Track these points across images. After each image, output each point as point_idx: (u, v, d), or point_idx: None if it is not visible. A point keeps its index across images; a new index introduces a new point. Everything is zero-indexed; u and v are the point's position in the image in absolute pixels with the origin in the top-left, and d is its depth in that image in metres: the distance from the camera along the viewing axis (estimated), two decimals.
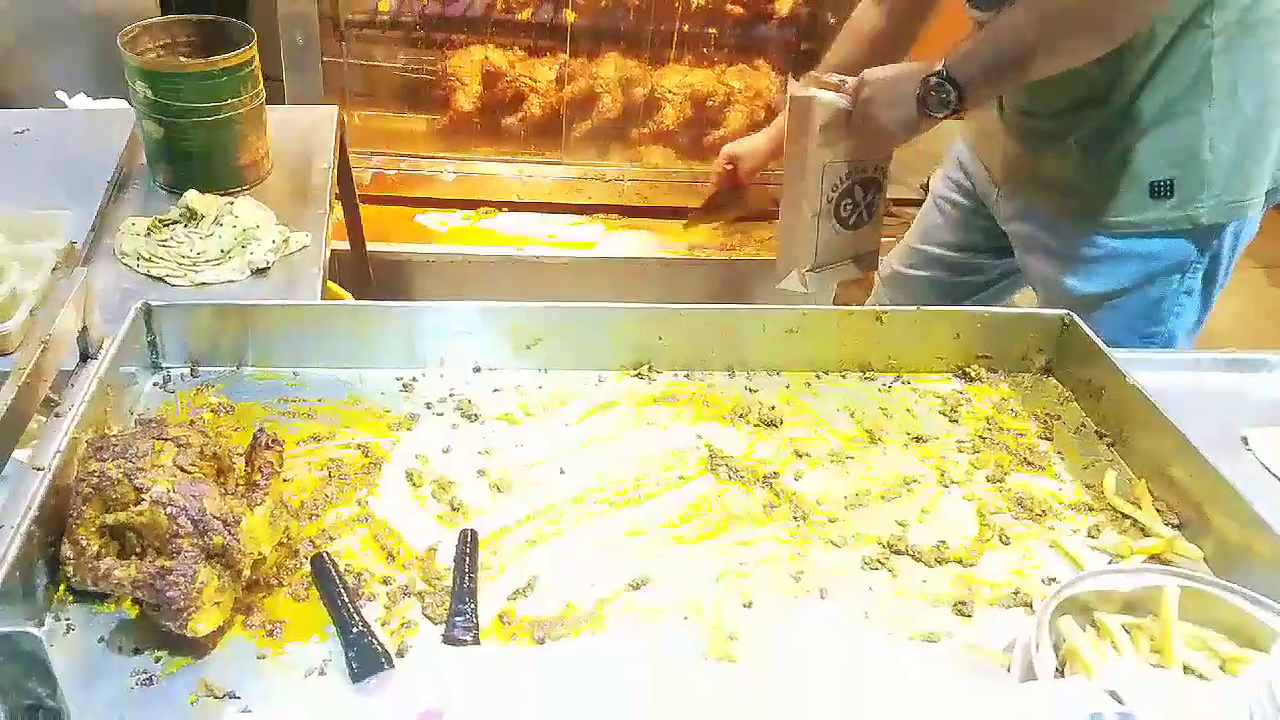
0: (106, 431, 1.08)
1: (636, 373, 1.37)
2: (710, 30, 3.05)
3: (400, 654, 0.94)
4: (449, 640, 0.96)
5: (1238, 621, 0.96)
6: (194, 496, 0.92)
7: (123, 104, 2.35)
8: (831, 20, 3.06)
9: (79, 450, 1.02)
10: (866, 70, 1.65)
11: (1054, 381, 1.42)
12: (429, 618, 0.99)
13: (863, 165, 1.75)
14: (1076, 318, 1.39)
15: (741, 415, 1.31)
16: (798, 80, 1.74)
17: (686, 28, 3.03)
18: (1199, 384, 1.44)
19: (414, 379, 1.32)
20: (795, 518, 1.16)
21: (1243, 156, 1.56)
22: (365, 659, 0.92)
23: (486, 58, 2.93)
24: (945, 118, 1.57)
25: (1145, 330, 1.70)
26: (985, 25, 1.55)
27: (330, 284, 1.90)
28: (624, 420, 1.29)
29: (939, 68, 1.52)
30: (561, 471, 1.20)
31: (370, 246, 2.55)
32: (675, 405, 1.33)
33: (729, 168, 2.08)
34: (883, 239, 1.94)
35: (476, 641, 0.96)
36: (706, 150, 3.18)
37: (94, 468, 0.95)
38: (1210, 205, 1.58)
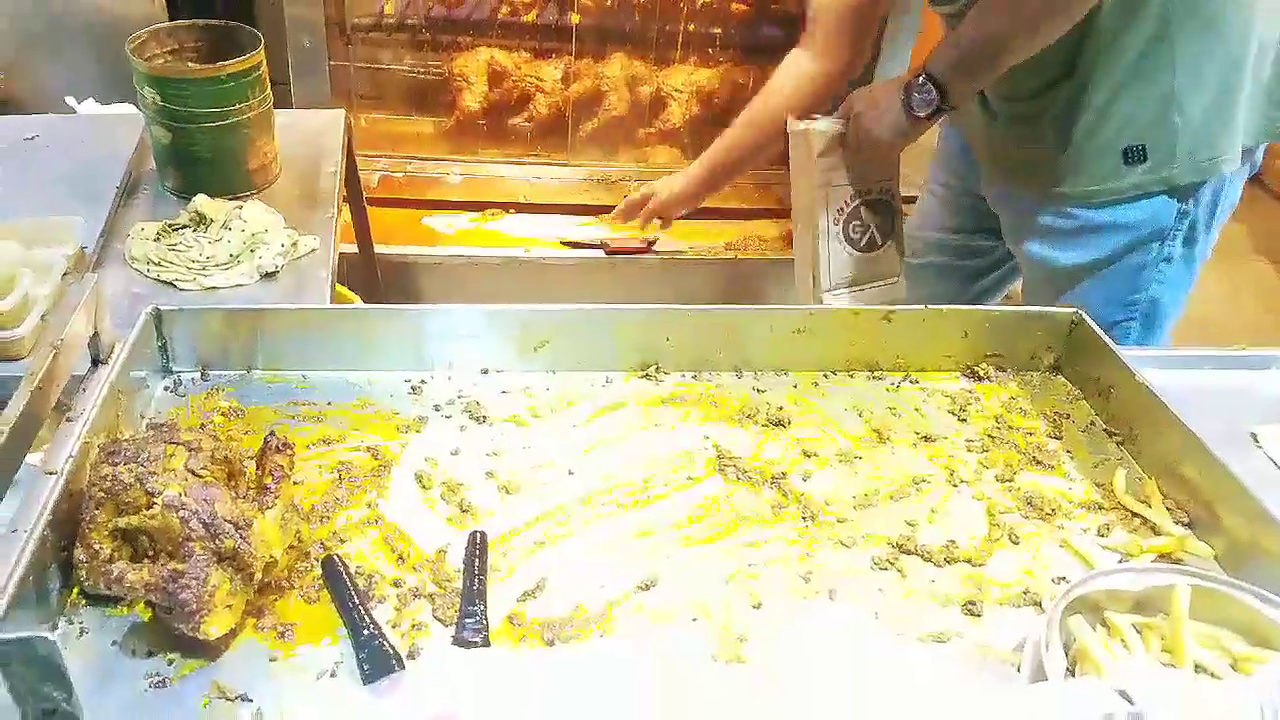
0: (118, 436, 1.08)
1: (644, 374, 1.37)
2: (715, 30, 3.05)
3: (411, 656, 0.95)
4: (459, 642, 0.96)
5: (1249, 620, 0.96)
6: (206, 500, 0.92)
7: (131, 109, 2.36)
8: None
9: (91, 455, 1.03)
10: (854, 91, 1.75)
11: (1063, 380, 1.42)
12: (439, 620, 0.99)
13: (866, 187, 1.83)
14: (1085, 316, 1.39)
15: (749, 416, 1.31)
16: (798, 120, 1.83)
17: (692, 28, 3.03)
18: (1207, 382, 1.44)
19: (422, 381, 1.32)
20: (804, 518, 1.16)
21: (1212, 115, 1.57)
22: (376, 661, 0.92)
23: (492, 58, 2.93)
24: (931, 117, 1.64)
25: (1128, 299, 1.71)
26: (954, 22, 1.60)
27: (339, 287, 1.90)
28: (632, 421, 1.29)
29: (917, 74, 1.60)
30: (570, 473, 1.20)
31: (377, 249, 2.55)
32: (683, 406, 1.33)
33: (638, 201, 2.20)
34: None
35: (486, 643, 0.96)
36: None
37: (106, 472, 0.96)
38: (1185, 165, 1.59)
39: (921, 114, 1.63)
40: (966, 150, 1.91)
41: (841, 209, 1.82)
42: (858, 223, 1.84)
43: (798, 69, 1.91)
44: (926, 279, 2.04)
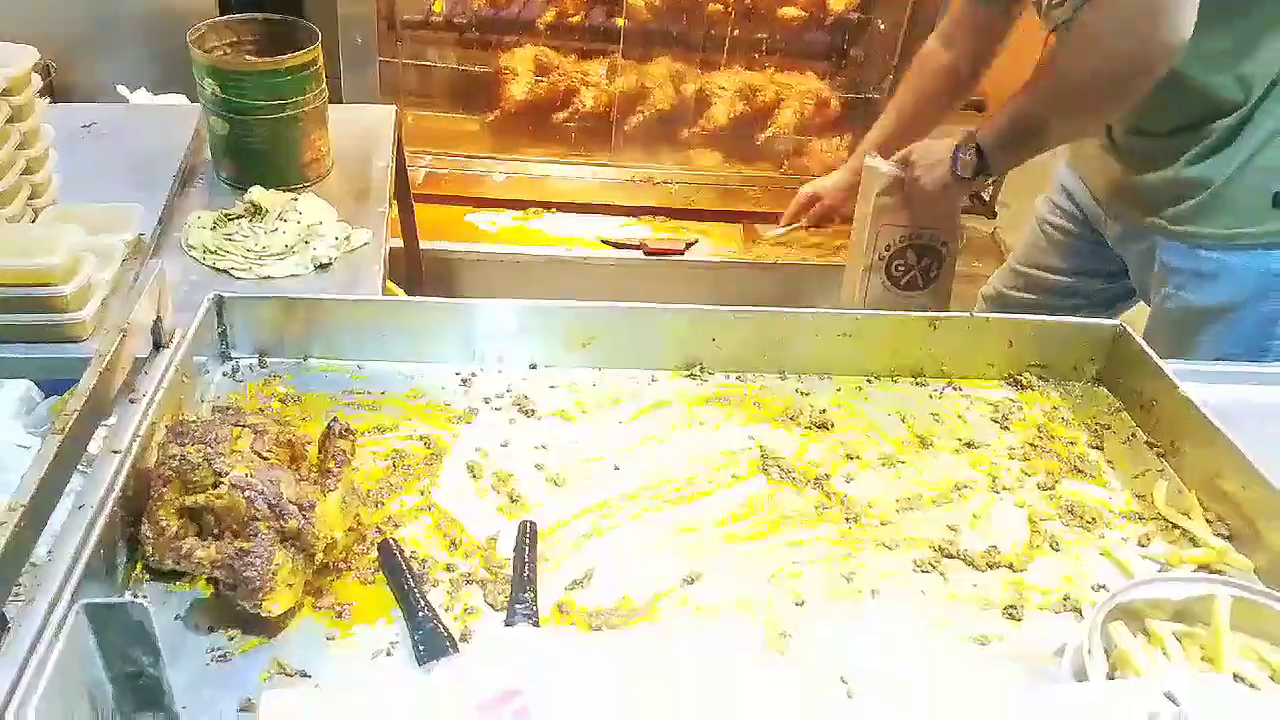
0: (182, 418, 1.12)
1: (689, 373, 1.39)
2: (761, 35, 3.07)
3: (464, 638, 0.97)
4: (510, 627, 0.99)
5: None
6: (271, 481, 0.95)
7: (182, 99, 2.41)
8: (881, 25, 3.08)
9: (157, 435, 1.06)
10: (916, 144, 1.90)
11: (1104, 391, 1.43)
12: (490, 605, 1.02)
13: (920, 232, 1.95)
14: (1129, 328, 1.40)
15: (793, 417, 1.33)
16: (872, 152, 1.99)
17: (736, 32, 3.04)
18: (1249, 396, 1.44)
19: (472, 374, 1.35)
20: (847, 519, 1.18)
21: None
22: (431, 642, 0.95)
23: (539, 54, 2.96)
24: (973, 179, 1.76)
25: (1260, 344, 1.69)
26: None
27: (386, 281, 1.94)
28: (676, 420, 1.32)
29: (966, 136, 1.71)
30: (616, 468, 1.22)
31: (421, 245, 2.59)
32: (727, 406, 1.35)
33: (805, 202, 2.21)
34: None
35: (536, 629, 0.99)
36: (755, 154, 3.20)
37: (174, 451, 0.99)
38: None
39: (965, 175, 1.75)
40: (1084, 188, 1.90)
41: (889, 246, 1.95)
42: (901, 262, 1.97)
43: (933, 59, 1.98)
44: (1023, 313, 2.02)
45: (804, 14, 2.96)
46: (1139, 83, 1.52)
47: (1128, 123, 1.70)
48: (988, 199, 4.39)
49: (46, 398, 1.80)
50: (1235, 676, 0.93)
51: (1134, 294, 1.96)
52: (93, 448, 1.07)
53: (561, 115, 3.01)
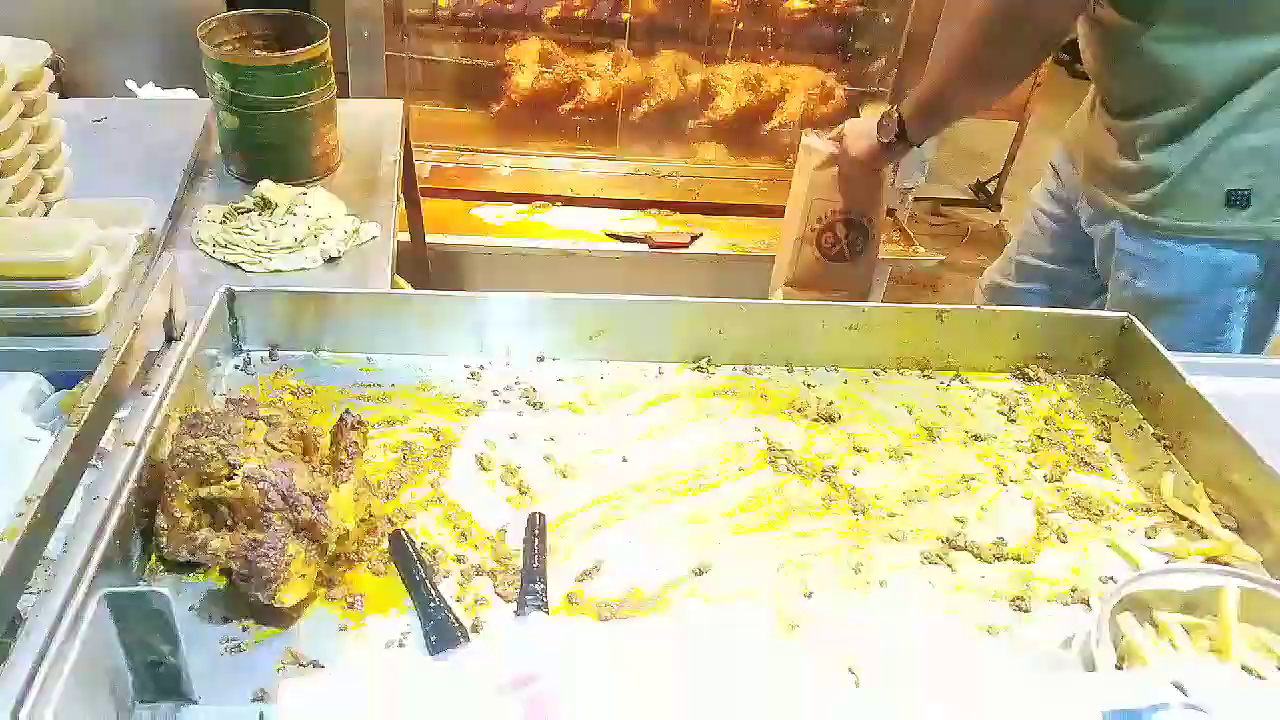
0: (195, 410, 1.12)
1: (696, 366, 1.40)
2: (765, 29, 3.07)
3: (475, 629, 0.98)
4: (521, 617, 1.00)
5: None
6: (285, 473, 0.96)
7: (190, 94, 2.42)
8: (886, 19, 3.08)
9: (171, 427, 1.07)
10: (849, 120, 2.03)
11: (1112, 384, 1.43)
12: (500, 595, 1.03)
13: (848, 208, 2.08)
14: (1136, 321, 1.40)
15: (800, 410, 1.34)
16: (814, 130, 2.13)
17: (741, 26, 3.05)
18: (1257, 389, 1.44)
19: (481, 367, 1.36)
20: (854, 511, 1.18)
21: None
22: (443, 632, 0.95)
23: (545, 46, 2.97)
24: (894, 144, 1.87)
25: (1209, 338, 1.70)
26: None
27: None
28: (684, 412, 1.32)
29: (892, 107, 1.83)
30: (624, 460, 1.23)
31: (428, 238, 2.60)
32: (734, 398, 1.35)
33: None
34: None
35: (548, 618, 0.99)
36: (760, 148, 3.20)
37: (189, 443, 1.00)
38: None
39: (885, 140, 1.87)
40: (1072, 170, 1.90)
41: (821, 219, 2.08)
42: (830, 235, 2.10)
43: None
44: (1021, 304, 2.03)
45: (810, 5, 2.96)
46: (1022, 52, 1.64)
47: (1103, 98, 1.71)
48: (992, 191, 4.41)
49: (56, 391, 1.81)
50: (1243, 667, 0.94)
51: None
52: (107, 440, 1.08)
53: (567, 106, 3.01)
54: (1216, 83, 1.52)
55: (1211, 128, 1.55)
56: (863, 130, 1.94)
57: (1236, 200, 1.57)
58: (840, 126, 2.02)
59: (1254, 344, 1.73)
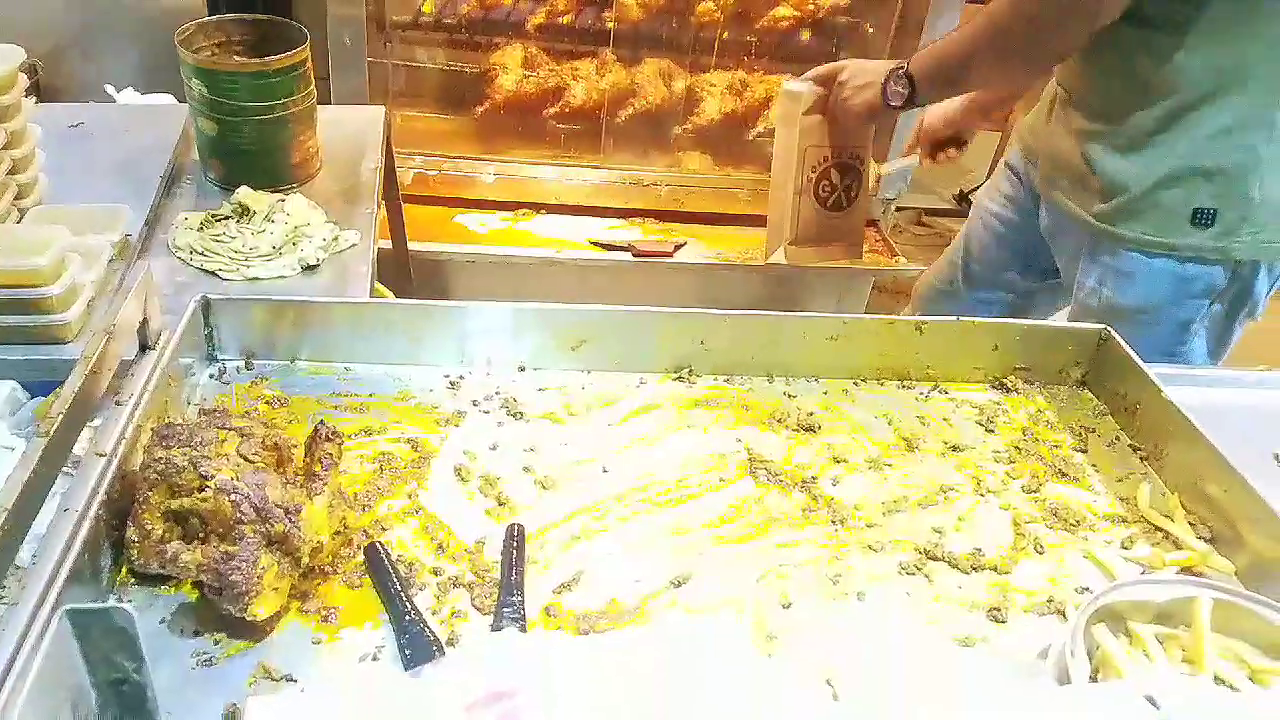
0: (168, 420, 1.11)
1: (678, 376, 1.40)
2: (750, 38, 3.07)
3: (450, 642, 0.97)
4: (497, 631, 0.99)
5: (1268, 634, 0.97)
6: (257, 485, 0.95)
7: (170, 99, 2.40)
8: (870, 29, 3.09)
9: (143, 438, 1.06)
10: (848, 60, 1.89)
11: (1089, 395, 1.44)
12: (477, 608, 1.02)
13: (840, 150, 1.97)
14: (1114, 332, 1.41)
15: (780, 420, 1.33)
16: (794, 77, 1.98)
17: (725, 34, 3.05)
18: (1232, 400, 1.45)
19: (461, 377, 1.35)
20: (833, 522, 1.18)
21: None
22: (418, 646, 0.94)
23: (528, 51, 2.96)
24: (901, 109, 1.76)
25: (1171, 349, 1.71)
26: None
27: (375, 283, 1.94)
28: (666, 422, 1.32)
29: (901, 64, 1.70)
30: (605, 470, 1.23)
31: (410, 245, 2.59)
32: (715, 409, 1.35)
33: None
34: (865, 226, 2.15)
35: (524, 632, 0.99)
36: (744, 157, 3.21)
37: (160, 455, 0.99)
38: (1247, 242, 1.58)
39: (894, 104, 1.75)
40: (1028, 182, 1.90)
41: (815, 167, 1.96)
42: (827, 183, 1.99)
43: None
44: (959, 310, 2.03)
45: (794, 14, 2.97)
46: (1067, 33, 1.54)
47: (1075, 102, 1.70)
48: (967, 193, 4.42)
49: (32, 399, 1.79)
50: (1216, 678, 0.94)
51: (1054, 297, 2.00)
52: (79, 449, 1.07)
53: (552, 110, 3.00)
54: (1195, 90, 1.52)
55: (1183, 140, 1.55)
56: (865, 79, 1.81)
57: (1202, 219, 1.57)
58: (824, 68, 1.90)
59: (1212, 357, 1.74)
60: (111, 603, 0.98)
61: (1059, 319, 1.99)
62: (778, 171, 2.03)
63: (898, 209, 3.49)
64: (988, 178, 4.30)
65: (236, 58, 1.88)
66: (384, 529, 1.10)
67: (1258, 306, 1.69)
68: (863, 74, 1.81)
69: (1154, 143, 1.57)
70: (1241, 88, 1.50)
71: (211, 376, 1.31)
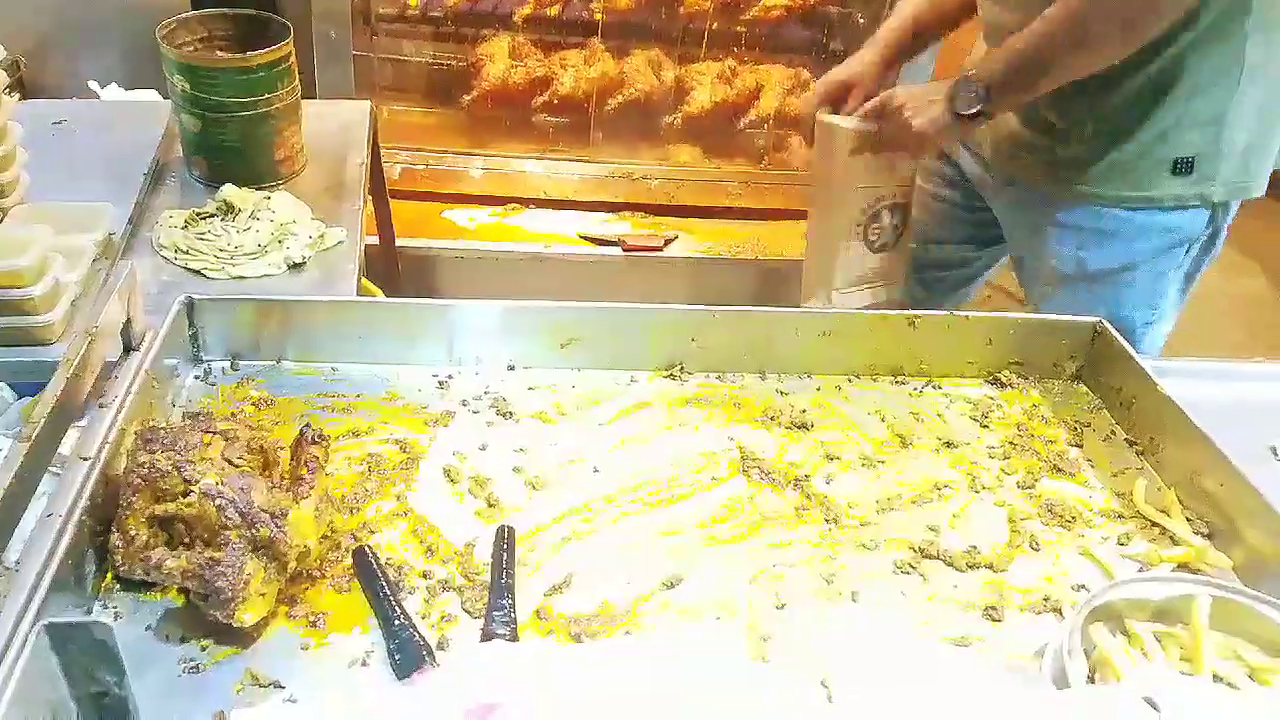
0: (152, 423, 1.10)
1: (669, 374, 1.38)
2: (739, 29, 3.05)
3: (440, 646, 0.96)
4: (487, 634, 0.97)
5: (1267, 632, 0.97)
6: (242, 489, 0.93)
7: (154, 95, 2.38)
8: (861, 20, 3.07)
9: (127, 441, 1.04)
10: (889, 90, 1.73)
11: (1084, 389, 1.43)
12: (467, 612, 1.01)
13: (891, 190, 1.83)
14: (1108, 326, 1.40)
15: (773, 418, 1.32)
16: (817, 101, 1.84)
17: (715, 25, 3.03)
18: (1228, 393, 1.44)
19: (450, 376, 1.33)
20: (827, 521, 1.17)
21: (1258, 137, 1.58)
22: (407, 651, 0.93)
23: (514, 47, 2.93)
24: (974, 117, 1.61)
25: (1152, 301, 1.72)
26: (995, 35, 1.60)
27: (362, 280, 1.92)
28: (657, 421, 1.31)
29: (966, 73, 1.59)
30: (595, 470, 1.21)
31: (398, 241, 2.57)
32: (707, 407, 1.34)
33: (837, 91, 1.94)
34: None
35: (515, 636, 0.97)
36: (735, 149, 3.19)
37: (144, 459, 0.97)
38: (1222, 184, 1.60)
39: (965, 112, 1.61)
40: (968, 152, 1.89)
41: (865, 209, 1.82)
42: (877, 225, 1.85)
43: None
44: (910, 291, 2.04)
45: (784, 5, 2.95)
46: (1150, 15, 1.46)
47: None
48: None
49: (20, 399, 1.77)
50: (1214, 676, 0.94)
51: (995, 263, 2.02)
52: (64, 449, 1.05)
53: (540, 100, 2.97)
54: (1166, 55, 1.52)
55: (1162, 118, 1.56)
56: (923, 98, 1.66)
57: (1181, 168, 1.58)
58: (869, 104, 1.75)
59: (1179, 302, 1.76)
60: (94, 614, 0.96)
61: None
62: (819, 209, 1.90)
63: None
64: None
65: (219, 53, 1.85)
66: (372, 532, 1.08)
67: (1219, 245, 1.71)
68: (920, 95, 1.69)
69: (1131, 105, 1.57)
70: (1215, 37, 1.50)
71: (196, 378, 1.29)
